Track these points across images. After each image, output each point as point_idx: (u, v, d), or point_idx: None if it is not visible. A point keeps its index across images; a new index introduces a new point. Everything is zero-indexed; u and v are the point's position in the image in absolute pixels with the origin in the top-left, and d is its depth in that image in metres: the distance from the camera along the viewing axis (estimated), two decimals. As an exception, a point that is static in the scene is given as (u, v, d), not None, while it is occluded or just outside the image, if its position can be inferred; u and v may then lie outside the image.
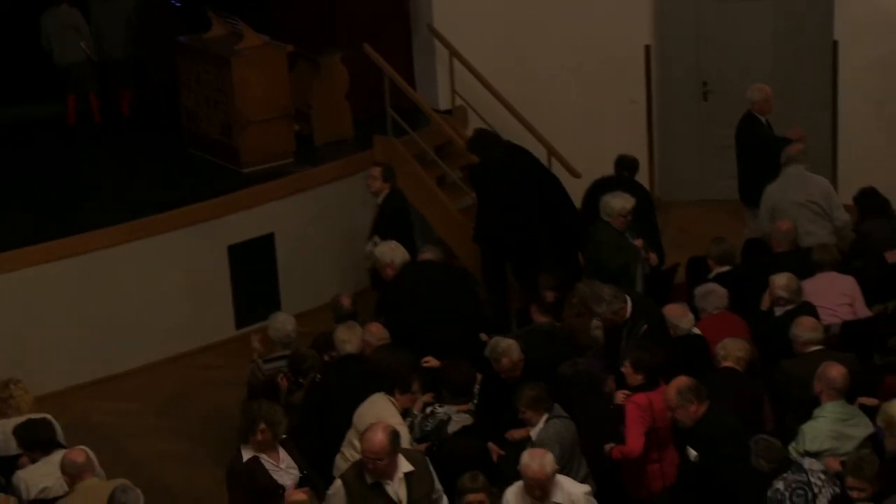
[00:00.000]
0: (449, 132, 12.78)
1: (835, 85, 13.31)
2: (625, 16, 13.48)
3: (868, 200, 11.15)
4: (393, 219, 11.18)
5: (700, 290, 9.93)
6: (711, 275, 10.50)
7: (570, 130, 13.06)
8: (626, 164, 11.65)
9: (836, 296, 10.00)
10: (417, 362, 9.45)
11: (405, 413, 8.76)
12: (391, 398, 8.61)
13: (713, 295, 9.79)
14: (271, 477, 7.93)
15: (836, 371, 8.29)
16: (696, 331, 9.48)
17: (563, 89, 13.64)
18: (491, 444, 8.78)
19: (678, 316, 9.42)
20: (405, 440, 8.25)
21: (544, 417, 8.33)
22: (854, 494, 7.42)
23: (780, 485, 7.72)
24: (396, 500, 7.65)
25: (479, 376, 9.25)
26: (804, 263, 10.20)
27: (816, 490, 7.69)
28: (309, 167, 12.56)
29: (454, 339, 9.74)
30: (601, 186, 11.29)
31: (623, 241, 10.61)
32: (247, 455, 7.99)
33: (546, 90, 13.55)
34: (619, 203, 10.60)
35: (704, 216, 13.25)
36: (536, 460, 7.51)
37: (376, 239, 10.94)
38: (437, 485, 7.97)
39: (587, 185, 11.66)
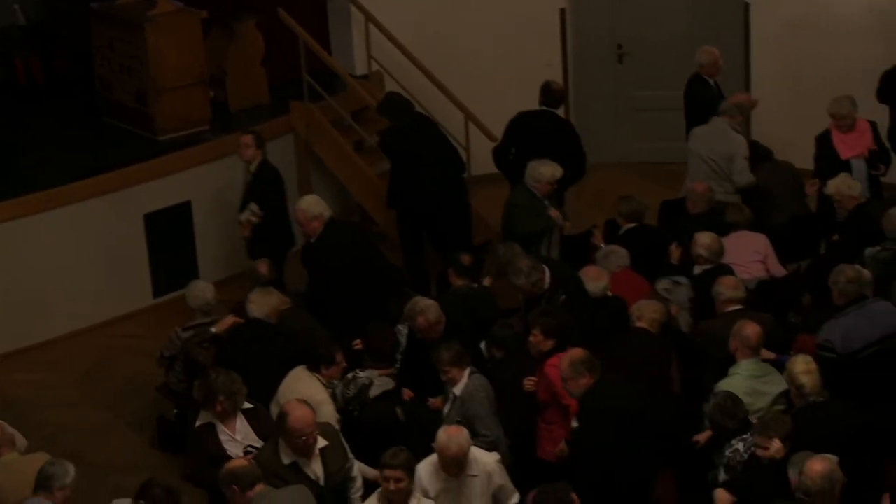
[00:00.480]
0: (365, 97, 12.74)
1: (747, 46, 13.46)
2: (540, -21, 13.53)
3: (752, 153, 11.35)
4: (268, 187, 11.12)
5: (601, 251, 10.03)
6: (622, 231, 10.61)
7: (486, 94, 13.07)
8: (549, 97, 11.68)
9: (749, 254, 10.17)
10: (333, 327, 9.49)
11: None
12: (314, 373, 8.57)
13: (614, 255, 9.90)
14: (221, 446, 7.88)
15: (750, 329, 8.41)
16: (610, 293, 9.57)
17: (479, 53, 13.64)
18: (405, 390, 8.86)
19: (592, 278, 9.48)
20: (329, 415, 8.25)
21: (467, 372, 8.39)
22: (759, 452, 7.49)
23: (739, 445, 7.80)
24: (314, 477, 7.63)
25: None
26: (718, 224, 10.35)
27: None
28: (225, 134, 12.46)
29: (374, 298, 9.80)
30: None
31: (541, 208, 10.67)
32: (203, 420, 7.98)
33: (462, 54, 13.54)
34: (548, 171, 10.64)
35: (620, 178, 13.36)
36: (454, 441, 7.45)
37: (253, 206, 10.91)
38: (349, 454, 7.95)
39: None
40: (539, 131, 11.41)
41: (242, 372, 8.22)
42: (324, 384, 8.53)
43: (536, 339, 8.57)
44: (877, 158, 11.41)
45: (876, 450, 7.76)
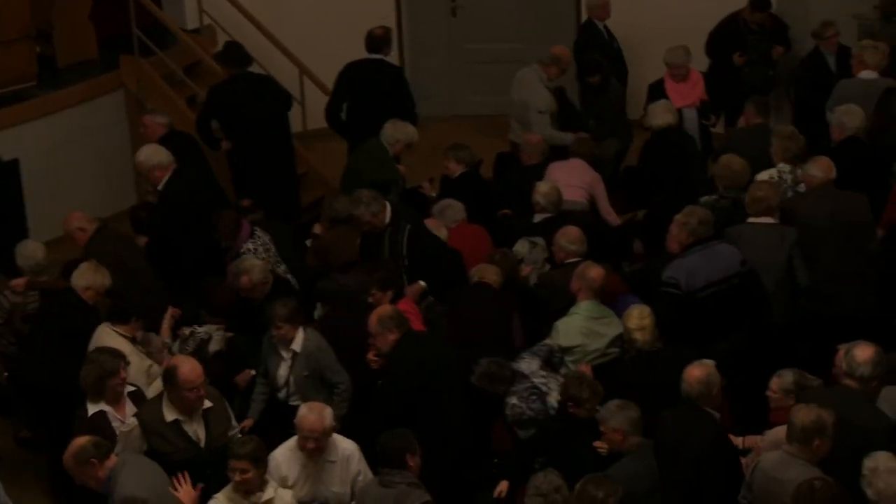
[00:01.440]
0: (198, 51, 12.56)
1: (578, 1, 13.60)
2: (372, -67, 13.48)
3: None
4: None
5: (438, 205, 10.04)
6: (455, 175, 10.64)
7: (320, 50, 12.96)
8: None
9: (574, 179, 10.38)
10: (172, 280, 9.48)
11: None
12: (116, 328, 8.41)
13: (451, 209, 9.91)
14: (115, 432, 7.62)
15: (594, 272, 8.59)
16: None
17: (313, 8, 13.54)
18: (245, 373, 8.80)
19: (432, 229, 9.56)
20: (137, 369, 8.16)
21: (301, 330, 8.37)
22: (570, 409, 7.68)
23: (514, 399, 8.00)
24: (195, 438, 7.55)
25: None
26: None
27: (545, 389, 8.05)
28: (53, 90, 12.15)
29: (214, 252, 9.73)
30: None
31: (387, 160, 10.63)
32: (93, 409, 7.69)
33: (295, 9, 13.42)
34: (408, 133, 10.65)
35: (456, 131, 13.39)
36: (315, 412, 7.39)
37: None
38: (234, 422, 7.89)
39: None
40: (368, 81, 11.40)
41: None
42: (128, 338, 8.39)
43: (376, 297, 8.60)
44: (708, 109, 11.70)
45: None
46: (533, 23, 13.83)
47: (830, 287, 8.89)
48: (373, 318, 8.05)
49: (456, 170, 10.68)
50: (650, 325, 8.09)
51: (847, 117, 9.80)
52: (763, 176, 9.58)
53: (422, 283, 9.17)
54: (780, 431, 7.04)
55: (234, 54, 11.44)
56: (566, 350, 8.46)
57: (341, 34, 13.15)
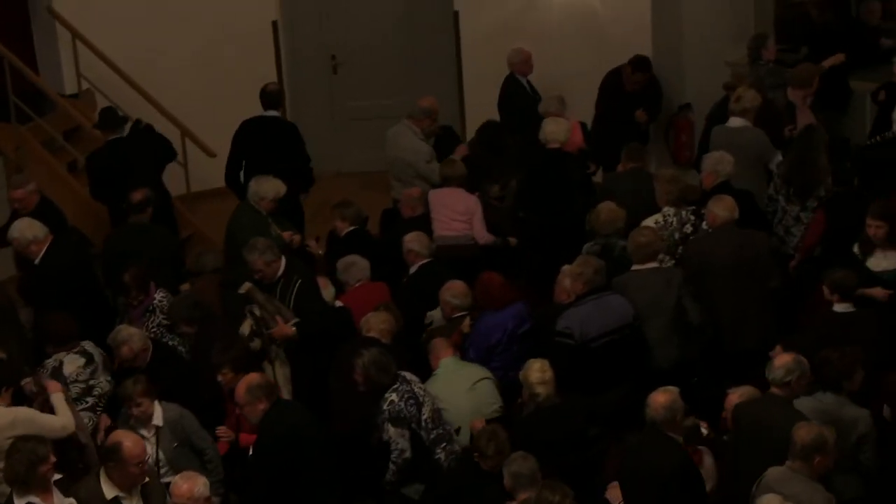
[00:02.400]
0: (77, 116, 12.43)
1: (458, 51, 13.73)
2: (250, -8, 13.48)
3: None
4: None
5: (342, 262, 9.99)
6: (342, 234, 10.65)
7: (201, 110, 12.91)
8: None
9: (456, 212, 10.55)
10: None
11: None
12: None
13: (355, 267, 9.89)
14: None
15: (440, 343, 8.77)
16: (339, 303, 9.61)
17: (192, 68, 13.46)
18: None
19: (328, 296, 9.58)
20: None
21: (156, 402, 8.18)
22: (477, 459, 7.73)
23: (394, 396, 8.08)
24: None
25: None
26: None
27: (421, 400, 8.15)
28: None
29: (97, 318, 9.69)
30: None
31: (264, 226, 10.46)
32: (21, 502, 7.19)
33: (174, 69, 13.32)
34: (271, 187, 10.54)
35: (342, 188, 13.39)
36: (187, 479, 7.22)
37: None
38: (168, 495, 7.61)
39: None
40: (265, 138, 11.42)
41: None
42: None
43: (227, 377, 8.45)
44: (587, 157, 11.84)
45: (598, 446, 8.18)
46: (415, 78, 13.92)
47: (732, 324, 9.09)
48: (241, 388, 7.93)
49: (343, 227, 10.67)
50: (551, 379, 8.15)
51: (721, 165, 9.99)
52: (649, 221, 9.72)
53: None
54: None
55: (108, 119, 11.33)
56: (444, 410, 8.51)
57: (222, 94, 13.14)
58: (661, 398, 7.46)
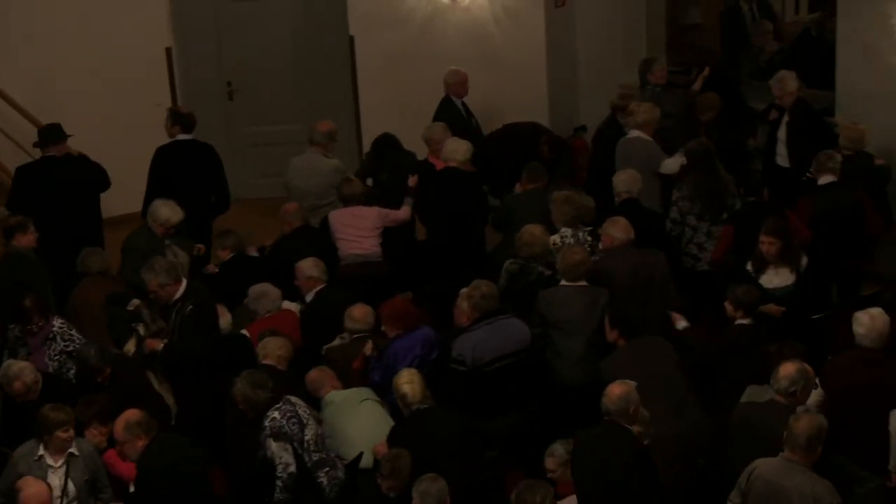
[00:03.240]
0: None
1: (354, 77, 13.74)
2: (143, 18, 13.33)
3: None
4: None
5: (254, 291, 9.81)
6: (222, 261, 10.59)
7: (97, 137, 12.70)
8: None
9: (364, 229, 10.62)
10: None
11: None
12: None
13: (266, 298, 9.75)
14: None
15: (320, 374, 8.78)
16: (245, 332, 9.53)
17: (86, 95, 13.27)
18: None
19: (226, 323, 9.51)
20: None
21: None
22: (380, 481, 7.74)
23: (276, 413, 8.00)
24: None
25: None
26: (315, 237, 10.68)
27: (305, 421, 8.08)
28: None
29: None
30: None
31: (159, 249, 10.28)
32: None
33: (68, 97, 13.14)
34: (165, 213, 10.43)
35: (241, 216, 13.29)
36: None
37: None
38: None
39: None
40: (184, 162, 11.37)
41: None
42: None
43: (92, 433, 8.29)
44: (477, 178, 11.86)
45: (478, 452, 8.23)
46: (311, 104, 13.90)
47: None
48: (119, 425, 7.84)
49: (224, 256, 10.63)
50: (418, 381, 8.21)
51: (623, 185, 10.25)
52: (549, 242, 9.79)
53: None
54: None
55: (50, 135, 11.22)
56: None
57: (117, 122, 13.00)
58: (617, 390, 7.56)
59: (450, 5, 13.49)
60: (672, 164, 10.92)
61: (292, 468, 7.89)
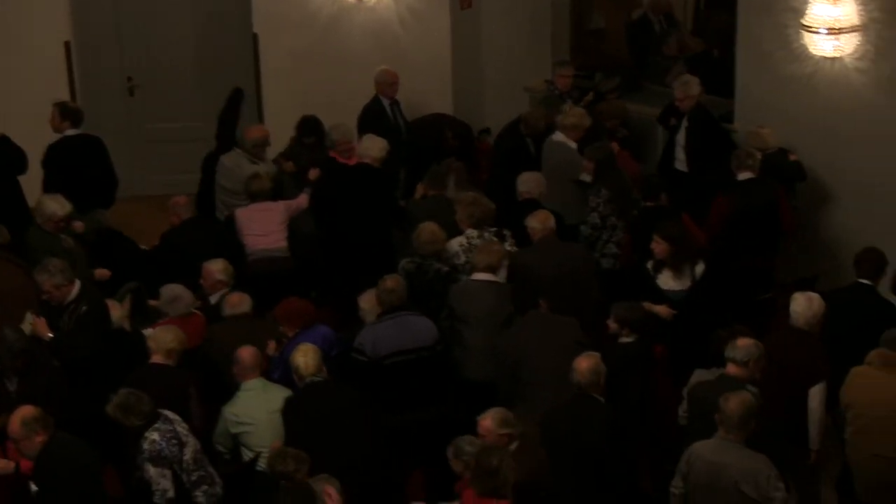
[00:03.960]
0: None
1: (258, 75, 13.65)
2: (41, 12, 13.09)
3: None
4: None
5: (167, 293, 9.62)
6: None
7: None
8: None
9: (272, 224, 10.68)
10: None
11: None
12: None
13: (180, 302, 9.56)
14: None
15: (245, 353, 8.63)
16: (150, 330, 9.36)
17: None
18: None
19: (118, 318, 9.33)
20: None
21: None
22: (287, 485, 7.63)
23: (155, 435, 7.81)
24: None
25: None
26: (212, 233, 10.65)
27: (184, 439, 7.92)
28: None
29: None
30: None
31: (56, 246, 10.15)
32: None
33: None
34: (52, 207, 10.26)
35: (140, 212, 13.17)
36: None
37: None
38: None
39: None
40: (78, 157, 11.27)
41: None
42: None
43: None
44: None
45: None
46: (213, 101, 13.76)
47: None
48: (15, 422, 7.68)
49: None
50: (313, 354, 8.25)
51: (525, 185, 10.46)
52: (454, 244, 9.87)
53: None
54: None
55: None
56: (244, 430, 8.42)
57: (13, 115, 12.74)
58: (585, 363, 7.85)
59: (355, 5, 13.48)
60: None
61: (170, 494, 7.79)
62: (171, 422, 7.94)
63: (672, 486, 7.56)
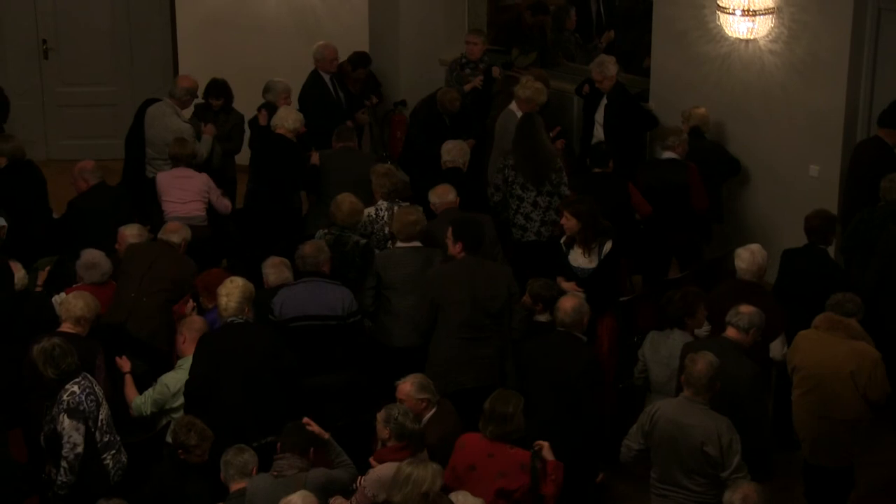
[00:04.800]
0: None
1: (174, 40, 13.56)
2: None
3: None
4: None
5: (86, 259, 9.39)
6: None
7: None
8: None
9: (190, 193, 10.60)
10: None
11: None
12: None
13: (96, 270, 9.33)
14: None
15: (197, 324, 8.65)
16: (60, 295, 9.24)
17: None
18: None
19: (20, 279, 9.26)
20: None
21: None
22: (181, 455, 7.63)
23: (75, 388, 7.66)
24: None
25: None
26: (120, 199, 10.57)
27: (100, 399, 7.77)
28: None
29: None
30: None
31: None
32: None
33: None
34: None
35: (54, 177, 12.92)
36: None
37: None
38: None
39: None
40: None
41: None
42: None
43: None
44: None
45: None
46: (128, 66, 13.67)
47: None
48: None
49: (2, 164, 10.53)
50: (237, 295, 8.22)
51: (449, 154, 10.47)
52: (364, 213, 9.82)
53: None
54: None
55: None
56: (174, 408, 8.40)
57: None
58: (569, 303, 8.12)
59: (272, -28, 13.41)
60: None
61: (80, 449, 7.62)
62: (90, 380, 7.79)
63: (628, 441, 7.58)
